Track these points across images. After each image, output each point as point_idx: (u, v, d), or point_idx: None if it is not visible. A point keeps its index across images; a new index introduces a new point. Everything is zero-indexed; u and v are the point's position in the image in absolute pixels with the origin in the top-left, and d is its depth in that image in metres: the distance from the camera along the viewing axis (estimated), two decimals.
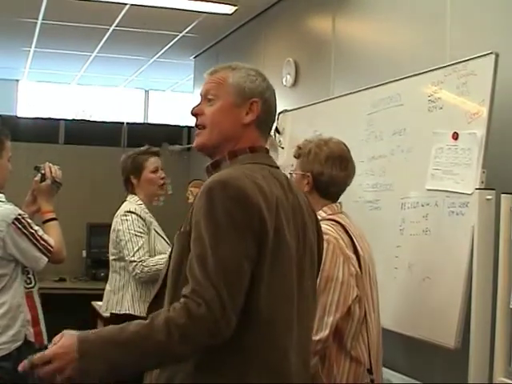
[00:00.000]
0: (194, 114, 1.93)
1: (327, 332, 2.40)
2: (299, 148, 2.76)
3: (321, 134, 3.84)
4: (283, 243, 1.75)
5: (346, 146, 2.80)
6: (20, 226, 2.98)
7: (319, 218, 2.57)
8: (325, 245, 2.41)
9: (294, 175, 2.73)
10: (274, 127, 4.77)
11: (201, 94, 1.95)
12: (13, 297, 3.00)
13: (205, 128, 1.89)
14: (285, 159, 4.19)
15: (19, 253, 2.99)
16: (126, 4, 5.67)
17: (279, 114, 4.77)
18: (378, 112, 3.54)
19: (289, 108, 4.73)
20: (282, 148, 4.18)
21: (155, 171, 3.98)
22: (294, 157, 2.78)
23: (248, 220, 1.66)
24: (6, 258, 2.98)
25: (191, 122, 1.99)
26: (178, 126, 8.13)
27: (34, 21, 6.37)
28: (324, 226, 2.50)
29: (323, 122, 4.10)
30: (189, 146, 7.75)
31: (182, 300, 1.64)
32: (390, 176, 3.39)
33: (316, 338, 2.34)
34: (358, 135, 3.60)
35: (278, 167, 1.93)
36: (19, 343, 2.98)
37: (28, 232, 3.00)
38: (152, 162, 3.98)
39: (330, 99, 4.21)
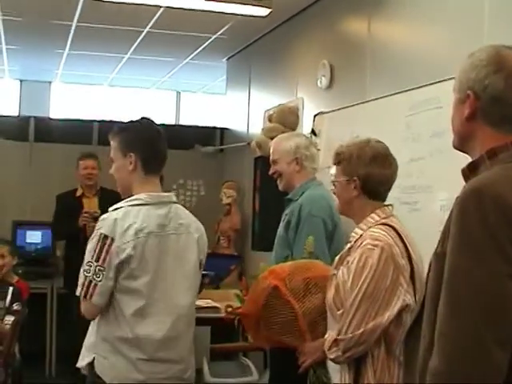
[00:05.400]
0: None
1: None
2: (338, 154, 2.67)
3: (358, 136, 3.84)
4: None
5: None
6: None
7: (372, 221, 2.53)
8: (377, 251, 2.39)
9: (335, 184, 2.67)
10: (310, 129, 4.80)
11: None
12: None
13: None
14: (321, 161, 4.18)
15: None
16: (160, 6, 5.71)
17: (315, 116, 4.77)
18: (416, 114, 3.52)
19: (324, 110, 4.72)
20: (318, 150, 4.17)
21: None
22: (334, 164, 2.69)
23: (509, 231, 1.40)
24: None
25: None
26: (211, 127, 8.02)
27: (69, 23, 6.45)
28: (376, 230, 2.48)
29: (360, 123, 4.09)
30: (222, 147, 7.80)
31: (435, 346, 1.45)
32: (429, 178, 3.37)
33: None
34: (396, 137, 3.59)
35: None
36: None
37: None
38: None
39: (367, 101, 4.20)
